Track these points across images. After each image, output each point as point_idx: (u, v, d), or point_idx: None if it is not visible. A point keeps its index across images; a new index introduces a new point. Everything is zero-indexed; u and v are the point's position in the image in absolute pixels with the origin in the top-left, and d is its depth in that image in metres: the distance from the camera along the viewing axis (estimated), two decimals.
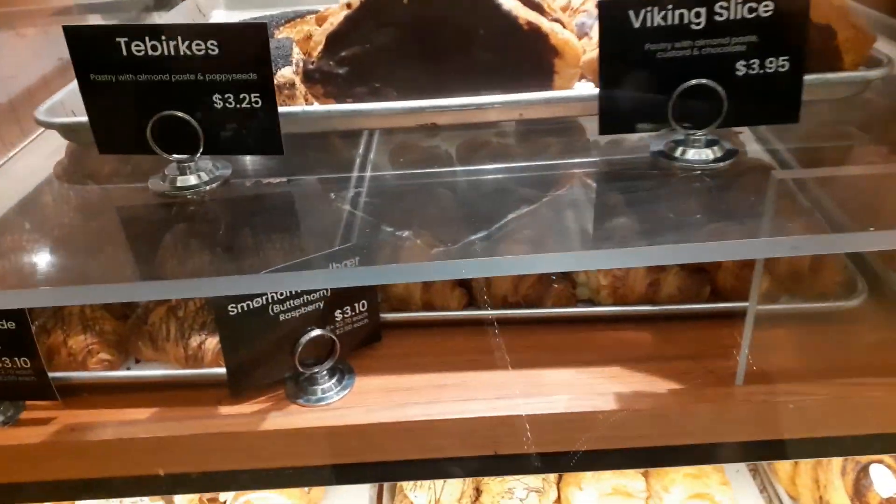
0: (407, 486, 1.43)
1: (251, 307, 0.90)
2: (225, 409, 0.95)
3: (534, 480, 1.40)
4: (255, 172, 1.02)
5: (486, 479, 1.42)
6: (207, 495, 1.48)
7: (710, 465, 1.43)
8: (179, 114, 0.83)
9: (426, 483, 1.42)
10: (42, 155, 1.16)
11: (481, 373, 1.00)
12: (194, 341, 1.01)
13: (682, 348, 1.02)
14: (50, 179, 1.06)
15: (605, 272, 1.09)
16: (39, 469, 0.92)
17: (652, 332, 1.06)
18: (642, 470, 1.46)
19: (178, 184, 0.92)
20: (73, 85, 1.11)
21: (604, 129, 0.87)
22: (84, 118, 0.97)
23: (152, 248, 0.88)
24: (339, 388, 1.00)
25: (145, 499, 1.47)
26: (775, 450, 0.92)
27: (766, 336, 0.89)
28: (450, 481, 1.40)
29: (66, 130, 1.03)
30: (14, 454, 0.91)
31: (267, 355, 0.95)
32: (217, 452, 0.90)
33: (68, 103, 1.07)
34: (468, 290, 1.13)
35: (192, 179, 0.92)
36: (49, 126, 1.02)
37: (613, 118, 0.85)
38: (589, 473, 1.41)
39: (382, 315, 1.05)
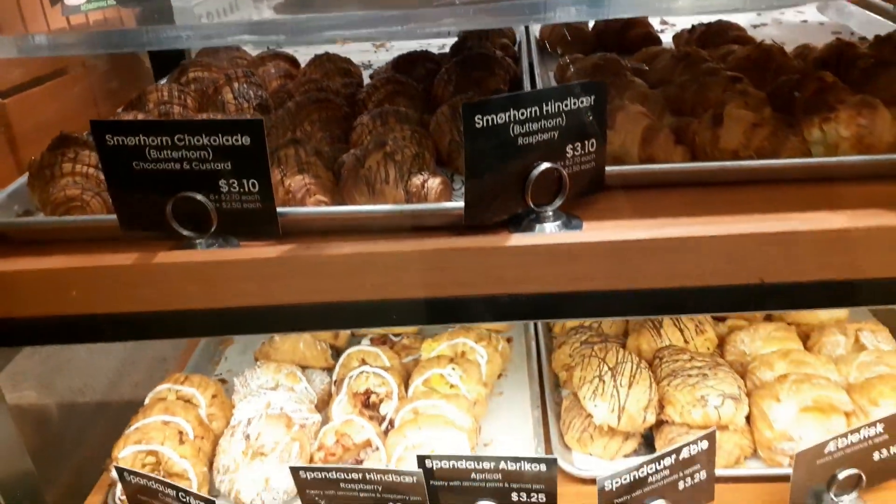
0: (586, 393, 1.35)
1: (495, 122, 0.86)
2: (455, 238, 0.91)
3: (728, 387, 1.30)
4: None
5: (671, 387, 1.33)
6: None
7: None
8: None
9: (608, 391, 1.34)
10: None
11: (728, 217, 0.91)
12: (417, 180, 0.97)
13: None
14: None
15: (848, 122, 1.00)
16: (268, 290, 0.88)
17: None
18: (844, 383, 1.35)
19: None
20: None
21: None
22: None
23: None
24: (567, 230, 0.94)
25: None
26: None
27: None
28: (635, 388, 1.32)
29: None
30: (240, 272, 0.88)
31: (501, 185, 0.90)
32: (455, 270, 0.85)
33: None
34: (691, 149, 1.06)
35: None
36: None
37: None
38: (787, 384, 1.30)
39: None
